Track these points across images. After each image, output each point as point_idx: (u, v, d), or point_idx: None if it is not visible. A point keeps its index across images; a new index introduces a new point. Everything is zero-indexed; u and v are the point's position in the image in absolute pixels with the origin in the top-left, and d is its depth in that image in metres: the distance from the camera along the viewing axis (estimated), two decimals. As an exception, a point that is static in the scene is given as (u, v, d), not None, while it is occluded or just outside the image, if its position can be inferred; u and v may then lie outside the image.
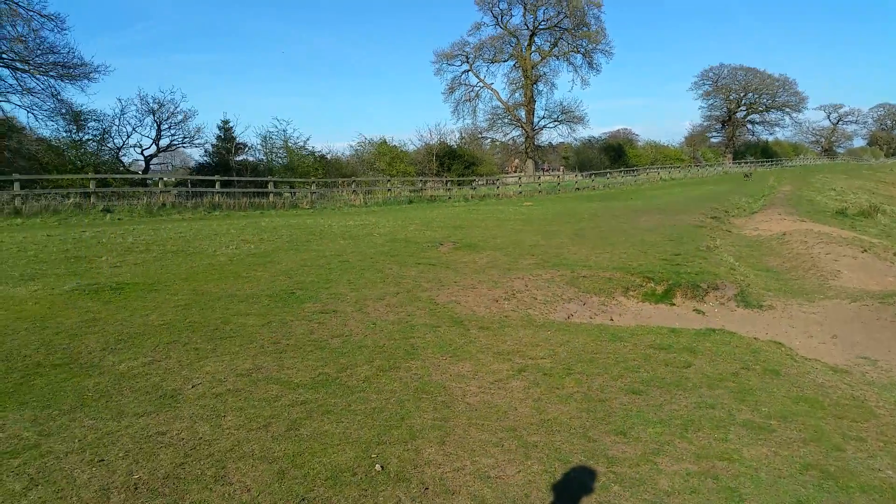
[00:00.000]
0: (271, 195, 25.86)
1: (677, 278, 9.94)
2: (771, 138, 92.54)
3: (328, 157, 39.97)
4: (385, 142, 43.20)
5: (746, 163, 74.49)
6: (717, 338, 6.85)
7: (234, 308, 7.48)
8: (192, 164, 41.40)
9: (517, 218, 19.94)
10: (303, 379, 5.22)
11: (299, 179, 30.08)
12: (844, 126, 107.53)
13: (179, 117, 34.82)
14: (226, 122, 37.12)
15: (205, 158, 37.20)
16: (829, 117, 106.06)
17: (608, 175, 50.57)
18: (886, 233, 17.84)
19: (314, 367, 5.53)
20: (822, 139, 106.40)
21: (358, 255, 11.49)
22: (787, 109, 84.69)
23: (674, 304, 9.41)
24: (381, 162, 40.66)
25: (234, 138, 36.67)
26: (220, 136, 37.01)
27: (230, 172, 32.11)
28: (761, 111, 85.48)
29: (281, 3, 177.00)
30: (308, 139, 40.59)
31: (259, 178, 28.74)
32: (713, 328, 7.43)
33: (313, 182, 28.70)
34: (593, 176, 49.16)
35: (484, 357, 6.01)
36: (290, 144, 36.41)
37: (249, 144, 37.68)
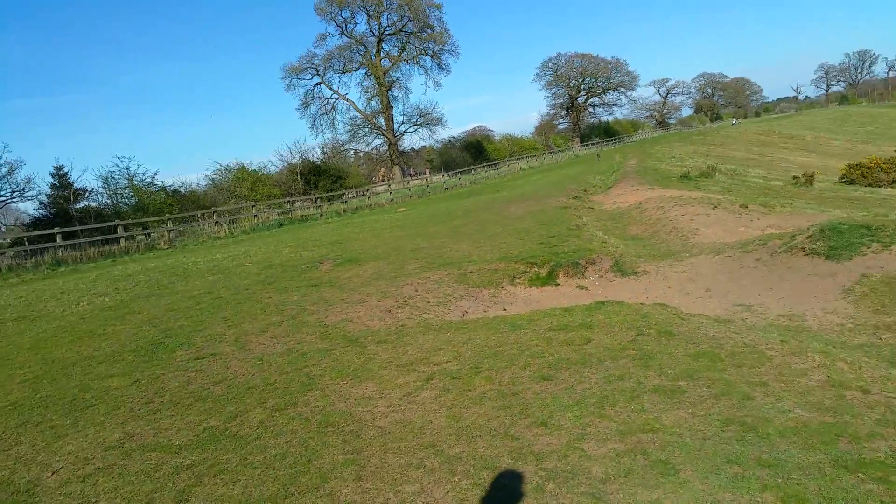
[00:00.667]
0: (122, 240, 23.80)
1: (557, 259, 10.15)
2: (611, 118, 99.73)
3: (182, 190, 37.45)
4: (244, 167, 41.26)
5: (593, 144, 79.58)
6: (608, 309, 6.99)
7: (93, 371, 6.58)
8: (27, 219, 37.22)
9: (394, 225, 19.70)
10: (185, 439, 4.61)
11: (152, 219, 27.90)
12: (673, 98, 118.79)
13: (4, 170, 31.11)
14: (59, 167, 33.69)
15: (40, 211, 33.63)
16: (658, 91, 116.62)
17: (473, 171, 51.80)
18: (727, 189, 19.56)
19: (197, 422, 4.92)
20: (656, 112, 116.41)
21: (231, 289, 10.66)
22: (622, 89, 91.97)
23: (559, 285, 9.59)
24: (242, 188, 38.74)
25: (72, 184, 33.35)
26: (54, 184, 33.53)
27: (72, 222, 29.17)
28: (599, 94, 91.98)
29: (103, 36, 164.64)
30: (156, 174, 37.74)
31: (105, 224, 26.23)
32: (602, 301, 7.60)
33: (168, 219, 26.71)
34: (459, 174, 50.16)
35: (387, 373, 5.67)
36: (135, 182, 33.71)
37: (90, 189, 34.49)
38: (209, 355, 6.77)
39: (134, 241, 24.36)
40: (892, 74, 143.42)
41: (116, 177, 33.55)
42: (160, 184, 35.20)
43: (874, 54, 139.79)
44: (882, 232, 7.66)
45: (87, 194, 34.15)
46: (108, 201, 33.67)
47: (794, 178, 22.86)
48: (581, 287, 9.41)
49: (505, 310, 8.50)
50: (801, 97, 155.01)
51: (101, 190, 34.01)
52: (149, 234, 25.69)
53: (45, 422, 5.22)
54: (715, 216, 13.30)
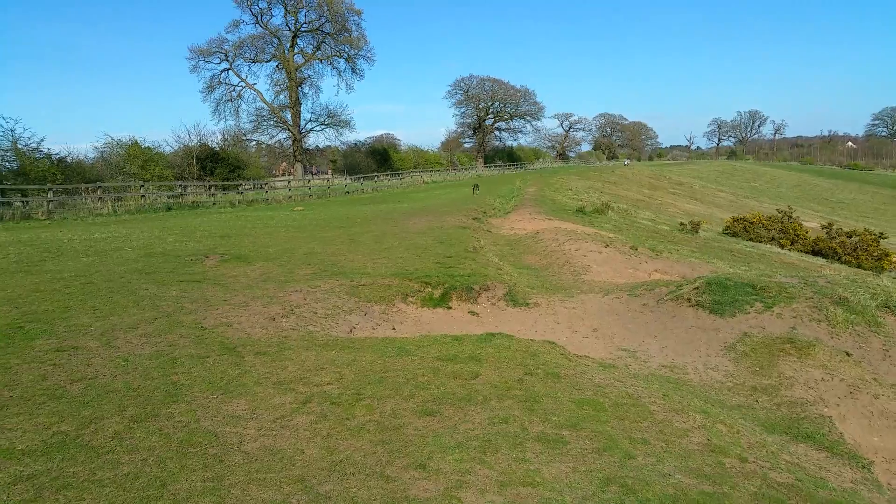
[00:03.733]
0: (-3, 205, 21.78)
1: (452, 281, 10.07)
2: (515, 144, 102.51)
3: (69, 160, 34.32)
4: (137, 143, 38.28)
5: (496, 166, 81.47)
6: (497, 342, 6.94)
7: (-68, 355, 5.73)
8: None
9: (289, 224, 18.98)
10: (31, 443, 4.11)
11: (32, 186, 25.46)
12: (574, 133, 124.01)
13: None
14: (-63, 119, 29.68)
15: None
16: (562, 125, 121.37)
17: (376, 178, 51.39)
18: (618, 228, 20.50)
19: (47, 424, 4.40)
20: (557, 144, 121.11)
21: (105, 276, 9.75)
22: (528, 118, 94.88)
23: (451, 308, 9.51)
24: (133, 165, 35.98)
25: (-51, 140, 29.53)
26: (-72, 136, 29.51)
27: (-57, 179, 25.95)
28: (506, 119, 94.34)
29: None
30: (42, 140, 34.11)
31: (-21, 187, 23.72)
32: (493, 333, 7.55)
33: (50, 189, 24.57)
34: (362, 179, 49.54)
35: (262, 390, 5.27)
36: (19, 146, 30.60)
37: (-31, 147, 30.70)
38: (71, 348, 6.13)
39: (10, 207, 22.86)
40: (777, 136, 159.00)
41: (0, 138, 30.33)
42: (46, 150, 32.19)
43: (763, 115, 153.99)
44: (766, 292, 8.15)
45: (-36, 152, 30.44)
46: (-13, 162, 30.21)
47: (681, 224, 24.34)
48: (473, 313, 9.37)
49: (394, 329, 8.29)
50: (693, 147, 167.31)
51: (-21, 150, 30.45)
52: (27, 203, 23.93)
53: None
54: (606, 255, 13.81)
